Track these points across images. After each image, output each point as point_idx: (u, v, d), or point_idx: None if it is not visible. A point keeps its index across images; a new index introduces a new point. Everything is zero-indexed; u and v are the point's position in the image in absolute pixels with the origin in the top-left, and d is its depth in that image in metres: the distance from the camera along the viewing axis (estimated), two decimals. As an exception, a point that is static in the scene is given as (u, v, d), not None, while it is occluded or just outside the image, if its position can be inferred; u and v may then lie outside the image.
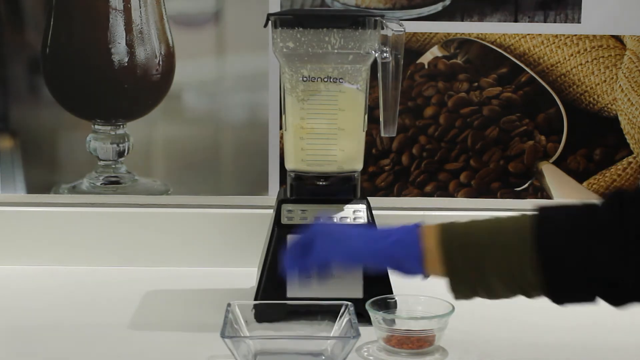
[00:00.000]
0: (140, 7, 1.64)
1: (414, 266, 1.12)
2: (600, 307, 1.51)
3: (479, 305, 1.49)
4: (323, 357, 1.23)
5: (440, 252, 1.09)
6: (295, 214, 1.40)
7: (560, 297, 1.08)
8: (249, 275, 1.52)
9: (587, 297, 1.08)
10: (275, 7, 1.63)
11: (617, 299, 1.07)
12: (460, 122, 1.68)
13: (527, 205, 1.68)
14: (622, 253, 1.02)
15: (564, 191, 1.70)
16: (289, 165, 1.43)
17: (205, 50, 1.67)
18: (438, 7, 1.65)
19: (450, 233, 1.10)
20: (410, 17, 1.64)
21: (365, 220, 1.39)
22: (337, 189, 1.42)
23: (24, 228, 1.66)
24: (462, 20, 1.65)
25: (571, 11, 1.65)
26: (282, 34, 1.36)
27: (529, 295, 1.07)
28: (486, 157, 1.69)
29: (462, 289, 1.11)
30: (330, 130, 1.40)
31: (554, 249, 1.04)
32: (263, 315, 1.32)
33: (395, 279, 1.40)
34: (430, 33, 1.65)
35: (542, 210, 1.07)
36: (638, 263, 1.02)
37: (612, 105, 1.66)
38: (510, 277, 1.06)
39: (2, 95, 1.67)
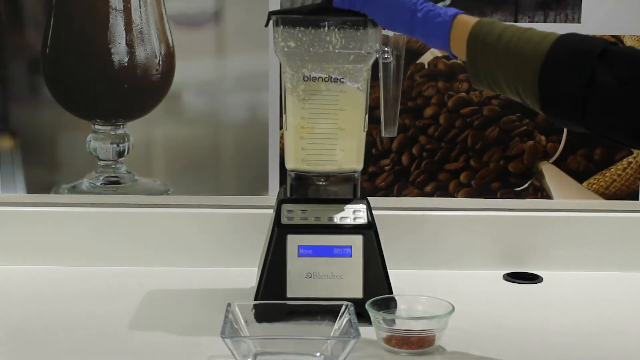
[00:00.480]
0: (140, 7, 1.64)
1: (440, 43, 1.24)
2: (601, 307, 1.52)
3: (479, 305, 1.49)
4: (323, 357, 1.23)
5: (467, 43, 1.20)
6: (295, 214, 1.40)
7: (549, 111, 1.14)
8: (249, 275, 1.53)
9: (574, 115, 1.13)
10: (275, 7, 1.63)
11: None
12: (460, 122, 1.68)
13: (527, 205, 1.69)
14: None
15: (564, 191, 1.70)
16: (289, 165, 1.43)
17: (205, 50, 1.67)
18: (438, 7, 1.65)
19: (481, 28, 1.20)
20: (410, 17, 1.64)
21: (365, 220, 1.39)
22: (337, 189, 1.42)
23: (24, 228, 1.66)
24: (462, 20, 1.65)
25: (571, 11, 1.65)
26: (284, 33, 1.36)
27: (525, 103, 1.16)
28: (486, 157, 1.69)
29: (477, 80, 1.20)
30: (331, 130, 1.40)
31: (554, 79, 1.11)
32: (263, 315, 1.32)
33: (396, 279, 1.40)
34: (430, 33, 1.65)
35: (562, 37, 1.13)
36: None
37: (612, 105, 1.66)
38: (515, 84, 1.15)
39: (2, 95, 1.67)
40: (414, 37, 1.27)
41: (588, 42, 1.10)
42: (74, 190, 1.70)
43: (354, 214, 1.40)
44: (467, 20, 1.22)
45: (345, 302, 1.29)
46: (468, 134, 1.69)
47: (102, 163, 1.69)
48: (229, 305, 1.28)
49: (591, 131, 1.13)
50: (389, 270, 1.39)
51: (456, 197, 1.70)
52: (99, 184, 1.70)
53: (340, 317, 1.28)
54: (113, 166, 1.69)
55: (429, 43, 1.26)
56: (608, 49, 1.08)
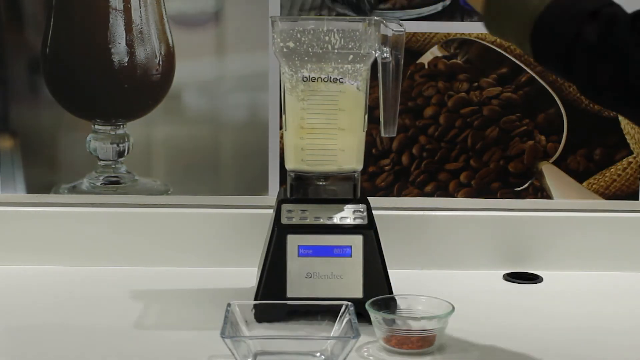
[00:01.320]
0: (140, 7, 1.64)
1: None
2: (601, 307, 1.52)
3: (479, 305, 1.49)
4: (323, 357, 1.23)
5: None
6: (295, 214, 1.40)
7: (540, 58, 1.16)
8: (249, 275, 1.53)
9: (563, 70, 1.14)
10: (275, 7, 1.63)
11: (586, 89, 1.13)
12: (460, 122, 1.68)
13: (527, 205, 1.69)
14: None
15: (564, 191, 1.70)
16: (289, 165, 1.43)
17: (205, 50, 1.67)
18: (438, 7, 1.65)
19: None
20: (410, 17, 1.64)
21: (365, 220, 1.39)
22: (337, 189, 1.42)
23: (24, 228, 1.66)
24: (462, 20, 1.65)
25: (571, 11, 1.64)
26: (282, 34, 1.36)
27: (523, 49, 1.17)
28: (486, 157, 1.69)
29: (488, 25, 1.20)
30: (331, 130, 1.40)
31: (549, 24, 1.13)
32: (263, 315, 1.32)
33: (396, 279, 1.40)
34: (430, 33, 1.65)
35: None
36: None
37: (612, 105, 1.66)
38: (516, 34, 1.16)
39: (2, 95, 1.67)
40: None
41: (583, 2, 1.12)
42: (74, 190, 1.70)
43: (354, 214, 1.40)
44: None
45: (345, 302, 1.29)
46: (468, 134, 1.69)
47: (102, 163, 1.69)
48: (229, 305, 1.28)
49: (580, 89, 1.13)
50: (389, 270, 1.39)
51: (456, 197, 1.70)
52: (99, 184, 1.70)
53: (340, 317, 1.28)
54: (113, 166, 1.69)
55: None
56: (600, 10, 1.09)
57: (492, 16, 1.19)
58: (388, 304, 1.32)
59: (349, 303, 1.29)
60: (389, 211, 1.66)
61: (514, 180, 1.70)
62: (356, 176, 1.43)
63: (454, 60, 1.66)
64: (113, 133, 1.68)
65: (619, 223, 1.68)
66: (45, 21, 1.65)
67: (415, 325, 1.27)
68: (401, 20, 1.57)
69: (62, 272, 1.63)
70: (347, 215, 1.40)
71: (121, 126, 1.68)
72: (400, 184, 1.70)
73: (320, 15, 1.63)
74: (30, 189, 1.70)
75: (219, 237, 1.66)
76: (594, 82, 1.08)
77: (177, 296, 1.52)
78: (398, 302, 1.33)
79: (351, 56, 1.36)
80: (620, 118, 1.67)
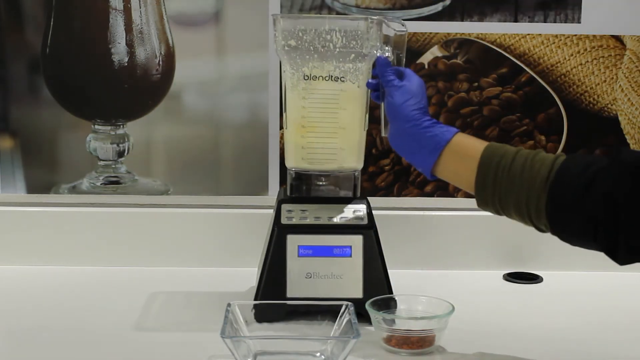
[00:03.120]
0: (140, 7, 1.64)
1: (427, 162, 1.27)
2: (601, 307, 1.52)
3: (479, 305, 1.49)
4: (323, 357, 1.23)
5: (478, 167, 1.21)
6: (295, 214, 1.40)
7: (563, 237, 1.18)
8: (249, 275, 1.52)
9: (586, 242, 1.17)
10: (275, 7, 1.63)
11: (615, 253, 1.14)
12: (460, 122, 1.68)
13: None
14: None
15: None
16: (289, 163, 1.43)
17: (205, 50, 1.67)
18: (438, 7, 1.65)
19: (492, 152, 1.21)
20: (410, 17, 1.64)
21: (365, 220, 1.39)
22: (337, 188, 1.42)
23: (24, 228, 1.66)
24: (462, 20, 1.65)
25: (571, 11, 1.65)
26: (284, 32, 1.36)
27: (538, 229, 1.18)
28: (486, 157, 1.69)
29: (483, 203, 1.23)
30: (331, 128, 1.40)
31: (562, 201, 1.13)
32: (263, 315, 1.32)
33: (395, 279, 1.40)
34: (430, 33, 1.65)
35: (566, 160, 1.15)
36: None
37: (612, 105, 1.66)
38: (525, 211, 1.18)
39: (2, 95, 1.67)
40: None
41: (589, 161, 1.13)
42: (74, 190, 1.70)
43: (354, 214, 1.40)
44: (469, 143, 1.25)
45: (345, 302, 1.29)
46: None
47: (102, 163, 1.69)
48: (229, 305, 1.28)
49: (606, 251, 1.15)
50: (389, 270, 1.38)
51: (456, 197, 1.70)
52: (99, 184, 1.70)
53: (340, 317, 1.28)
54: (113, 166, 1.69)
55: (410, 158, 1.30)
56: (611, 163, 1.10)
57: (490, 190, 1.19)
58: (388, 304, 1.32)
59: (349, 303, 1.28)
60: (389, 211, 1.66)
61: (514, 180, 1.69)
62: (356, 175, 1.43)
63: (454, 60, 1.66)
64: (113, 133, 1.68)
65: (619, 223, 1.68)
66: (45, 21, 1.65)
67: (415, 325, 1.27)
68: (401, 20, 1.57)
69: (62, 272, 1.63)
70: (347, 215, 1.40)
71: (121, 126, 1.68)
72: (400, 184, 1.70)
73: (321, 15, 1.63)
74: (30, 189, 1.70)
75: (219, 237, 1.66)
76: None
77: (177, 296, 1.52)
78: (398, 302, 1.33)
79: (352, 55, 1.36)
80: (621, 118, 1.67)
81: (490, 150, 1.21)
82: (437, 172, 1.27)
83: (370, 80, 1.37)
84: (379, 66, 1.34)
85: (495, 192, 1.19)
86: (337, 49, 1.36)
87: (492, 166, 1.19)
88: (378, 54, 1.36)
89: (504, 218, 1.67)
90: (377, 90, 1.36)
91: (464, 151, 1.24)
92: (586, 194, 1.10)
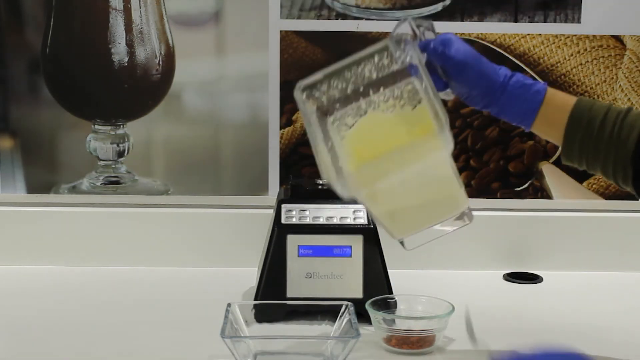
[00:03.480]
0: (140, 7, 1.64)
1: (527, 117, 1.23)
2: (601, 307, 1.51)
3: (479, 305, 1.49)
4: (323, 357, 1.23)
5: (567, 125, 1.20)
6: (295, 214, 1.40)
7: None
8: (249, 275, 1.52)
9: None
10: (275, 7, 1.63)
11: None
12: (460, 122, 1.68)
13: (527, 205, 1.69)
14: None
15: (564, 191, 1.70)
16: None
17: (205, 50, 1.67)
18: (438, 7, 1.65)
19: (582, 112, 1.19)
20: (410, 17, 1.64)
21: (365, 220, 1.39)
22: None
23: (24, 228, 1.66)
24: (462, 20, 1.65)
25: (571, 11, 1.65)
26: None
27: (619, 185, 1.19)
28: (486, 157, 1.69)
29: (569, 159, 1.22)
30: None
31: None
32: (263, 315, 1.32)
33: (395, 279, 1.40)
34: (430, 33, 1.65)
35: None
36: None
37: (612, 105, 1.66)
38: (612, 177, 1.19)
39: (2, 95, 1.67)
40: (489, 110, 1.24)
41: None
42: (74, 190, 1.70)
43: (354, 214, 1.40)
44: (562, 99, 1.22)
45: (345, 302, 1.29)
46: (468, 134, 1.68)
47: (102, 163, 1.69)
48: (229, 305, 1.28)
49: None
50: (389, 270, 1.38)
51: (456, 197, 1.70)
52: (99, 184, 1.70)
53: (340, 317, 1.28)
54: (113, 166, 1.69)
55: (507, 116, 1.24)
56: None
57: (578, 148, 1.20)
58: (388, 304, 1.32)
59: (349, 303, 1.29)
60: (389, 211, 1.65)
61: (514, 180, 1.70)
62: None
63: (454, 60, 1.66)
64: (113, 133, 1.68)
65: (619, 223, 1.68)
66: (45, 21, 1.65)
67: (415, 325, 1.27)
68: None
69: (62, 272, 1.63)
70: (347, 215, 1.40)
71: (121, 126, 1.68)
72: (400, 184, 1.70)
73: (320, 15, 1.63)
74: (30, 189, 1.70)
75: (219, 237, 1.66)
76: None
77: (177, 296, 1.52)
78: (398, 302, 1.33)
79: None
80: (620, 118, 1.67)
81: (580, 108, 1.20)
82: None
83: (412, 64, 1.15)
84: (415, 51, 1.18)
85: (582, 154, 1.20)
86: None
87: (581, 127, 1.19)
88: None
89: (504, 218, 1.68)
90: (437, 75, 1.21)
91: (557, 103, 1.22)
92: None
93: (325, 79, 1.14)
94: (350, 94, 1.13)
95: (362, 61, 1.14)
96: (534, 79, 1.66)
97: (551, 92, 1.21)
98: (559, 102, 1.21)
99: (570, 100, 1.21)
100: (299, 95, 1.14)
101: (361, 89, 1.13)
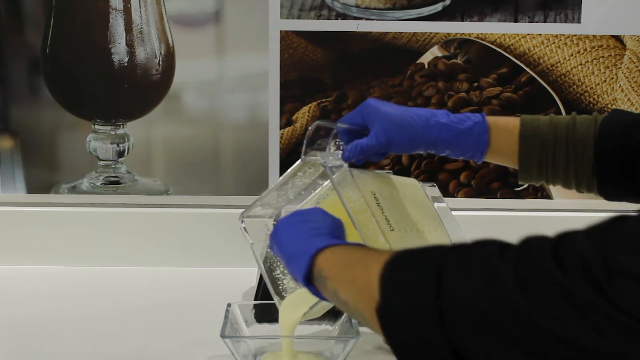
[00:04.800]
0: (140, 7, 1.64)
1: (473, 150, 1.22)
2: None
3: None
4: (323, 357, 1.23)
5: (520, 140, 1.20)
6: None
7: (607, 195, 1.20)
8: (249, 275, 1.52)
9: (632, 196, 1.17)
10: (275, 7, 1.63)
11: None
12: (460, 122, 1.68)
13: (527, 205, 1.69)
14: None
15: (564, 191, 1.70)
16: None
17: (205, 50, 1.67)
18: (438, 7, 1.65)
19: (530, 123, 1.22)
20: (410, 17, 1.64)
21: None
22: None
23: (24, 228, 1.66)
24: (462, 20, 1.65)
25: (571, 11, 1.65)
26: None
27: (579, 190, 1.21)
28: (486, 157, 1.69)
29: (528, 177, 1.22)
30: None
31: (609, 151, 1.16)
32: (263, 315, 1.32)
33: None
34: (430, 33, 1.65)
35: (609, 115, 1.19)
36: None
37: (612, 105, 1.66)
38: (572, 172, 1.20)
39: (2, 95, 1.67)
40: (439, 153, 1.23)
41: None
42: (74, 190, 1.70)
43: (353, 214, 1.40)
44: (502, 120, 1.23)
45: (345, 302, 1.29)
46: (468, 134, 1.68)
47: (102, 163, 1.69)
48: (229, 305, 1.28)
49: None
50: (389, 270, 1.38)
51: (456, 197, 1.70)
52: (99, 184, 1.70)
53: (340, 317, 1.28)
54: (113, 166, 1.69)
55: (456, 153, 1.23)
56: None
57: (536, 162, 1.20)
58: (388, 304, 1.32)
59: (349, 303, 1.28)
60: (389, 211, 1.65)
61: (514, 180, 1.69)
62: (356, 176, 1.42)
63: (454, 60, 1.66)
64: (113, 133, 1.68)
65: (619, 223, 1.68)
66: (45, 21, 1.65)
67: (415, 325, 1.27)
68: (401, 20, 1.58)
69: (62, 272, 1.63)
70: (347, 215, 1.40)
71: (121, 126, 1.68)
72: (400, 184, 1.70)
73: (320, 15, 1.63)
74: (30, 189, 1.70)
75: (219, 237, 1.66)
76: None
77: (177, 296, 1.52)
78: (398, 302, 1.33)
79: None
80: (620, 118, 1.67)
81: (526, 131, 1.21)
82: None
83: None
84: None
85: (540, 176, 1.21)
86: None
87: (535, 152, 1.20)
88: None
89: (504, 218, 1.68)
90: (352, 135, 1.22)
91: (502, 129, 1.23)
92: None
93: (258, 201, 1.26)
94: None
95: (288, 180, 1.24)
96: (534, 79, 1.66)
97: (491, 120, 1.22)
98: (503, 127, 1.22)
99: (512, 123, 1.22)
100: (240, 224, 1.25)
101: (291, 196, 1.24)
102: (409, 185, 1.25)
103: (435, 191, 1.27)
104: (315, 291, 0.97)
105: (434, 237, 1.19)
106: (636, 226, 0.72)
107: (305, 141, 1.19)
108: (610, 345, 0.69)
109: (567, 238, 0.76)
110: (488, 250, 0.78)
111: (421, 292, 0.78)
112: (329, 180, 1.15)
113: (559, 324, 0.70)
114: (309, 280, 0.96)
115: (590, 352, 0.70)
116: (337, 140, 1.21)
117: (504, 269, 0.75)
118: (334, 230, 1.02)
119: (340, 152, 1.18)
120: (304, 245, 0.98)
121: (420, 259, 0.82)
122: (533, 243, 0.77)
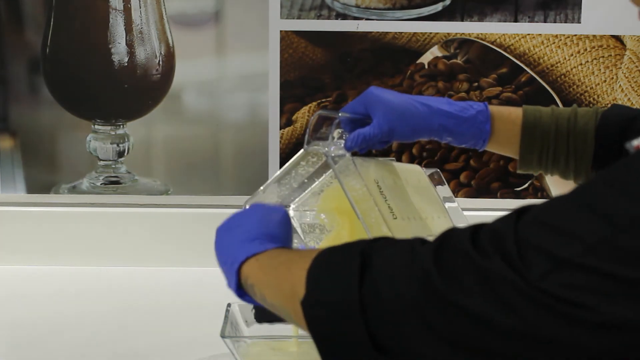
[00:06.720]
0: (140, 7, 1.64)
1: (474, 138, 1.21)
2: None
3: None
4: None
5: (522, 130, 1.21)
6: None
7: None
8: (249, 275, 1.52)
9: None
10: (275, 7, 1.63)
11: None
12: (460, 122, 1.68)
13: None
14: None
15: (564, 191, 1.69)
16: None
17: (205, 50, 1.67)
18: (438, 7, 1.65)
19: (532, 113, 1.22)
20: (410, 17, 1.64)
21: (365, 220, 1.39)
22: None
23: (24, 228, 1.66)
24: (462, 20, 1.65)
25: (571, 11, 1.65)
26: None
27: (577, 182, 1.21)
28: (486, 157, 1.69)
29: (529, 166, 1.22)
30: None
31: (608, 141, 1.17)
32: (263, 315, 1.32)
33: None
34: (430, 33, 1.65)
35: (609, 109, 1.20)
36: None
37: (612, 105, 1.66)
38: (572, 163, 1.20)
39: (2, 95, 1.67)
40: (442, 140, 1.22)
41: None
42: (74, 190, 1.70)
43: (353, 213, 1.40)
44: (505, 110, 1.24)
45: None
46: (468, 134, 1.68)
47: (102, 163, 1.69)
48: (229, 305, 1.28)
49: None
50: (389, 270, 1.38)
51: (456, 197, 1.70)
52: (99, 184, 1.70)
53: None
54: (113, 166, 1.69)
55: (459, 140, 1.22)
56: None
57: (536, 151, 1.21)
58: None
59: (349, 303, 1.28)
60: (389, 211, 1.65)
61: (514, 180, 1.70)
62: (356, 176, 1.42)
63: (454, 60, 1.66)
64: (113, 133, 1.68)
65: (619, 223, 1.68)
66: (45, 21, 1.65)
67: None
68: (401, 20, 1.58)
69: (62, 272, 1.63)
70: (347, 215, 1.40)
71: (121, 126, 1.68)
72: (400, 184, 1.70)
73: (320, 15, 1.63)
74: (30, 189, 1.70)
75: (219, 237, 1.66)
76: None
77: (177, 296, 1.52)
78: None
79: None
80: (620, 118, 1.67)
81: (529, 122, 1.22)
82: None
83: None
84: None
85: (540, 166, 1.22)
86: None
87: (537, 143, 1.21)
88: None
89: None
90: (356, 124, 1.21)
91: (504, 119, 1.23)
92: None
93: (262, 190, 1.21)
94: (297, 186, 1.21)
95: (291, 169, 1.21)
96: (534, 79, 1.66)
97: (494, 109, 1.23)
98: (505, 117, 1.22)
99: (515, 113, 1.22)
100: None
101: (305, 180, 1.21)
102: (411, 171, 1.25)
103: (446, 191, 1.27)
104: (250, 300, 0.98)
105: (436, 224, 1.19)
106: (545, 206, 0.76)
107: (307, 130, 1.19)
108: (521, 319, 0.70)
109: (485, 224, 0.77)
110: (412, 240, 0.80)
111: (344, 283, 0.79)
112: (331, 169, 1.15)
113: (471, 301, 0.71)
114: (242, 291, 0.98)
115: (504, 328, 0.70)
116: (340, 129, 1.21)
117: (423, 253, 0.76)
118: (273, 228, 1.01)
119: (343, 141, 1.19)
120: (232, 255, 1.00)
121: (347, 252, 0.83)
122: (454, 231, 0.78)
